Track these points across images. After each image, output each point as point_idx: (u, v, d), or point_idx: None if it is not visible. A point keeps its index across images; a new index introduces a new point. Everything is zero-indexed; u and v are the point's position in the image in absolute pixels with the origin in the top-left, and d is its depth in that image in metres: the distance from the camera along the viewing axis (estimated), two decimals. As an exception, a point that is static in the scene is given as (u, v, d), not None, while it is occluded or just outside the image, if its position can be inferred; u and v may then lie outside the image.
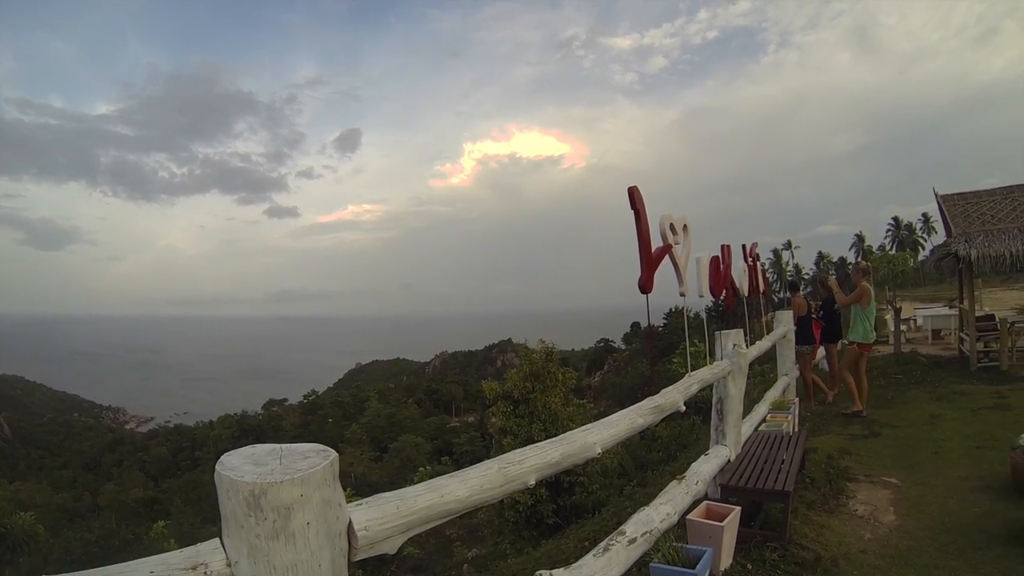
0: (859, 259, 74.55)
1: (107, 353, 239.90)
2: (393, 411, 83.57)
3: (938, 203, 15.28)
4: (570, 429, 3.68)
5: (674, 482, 4.81)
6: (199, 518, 40.89)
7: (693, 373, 5.28)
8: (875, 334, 10.48)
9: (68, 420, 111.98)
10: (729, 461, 5.79)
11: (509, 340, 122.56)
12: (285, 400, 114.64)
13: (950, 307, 20.87)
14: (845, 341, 10.71)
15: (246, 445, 1.80)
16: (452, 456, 56.65)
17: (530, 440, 14.76)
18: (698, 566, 3.94)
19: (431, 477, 2.43)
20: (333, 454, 1.73)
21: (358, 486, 35.65)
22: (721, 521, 4.50)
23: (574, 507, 15.87)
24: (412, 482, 2.32)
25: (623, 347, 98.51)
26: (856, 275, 10.76)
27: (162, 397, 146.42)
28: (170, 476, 69.92)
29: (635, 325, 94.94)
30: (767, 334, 9.93)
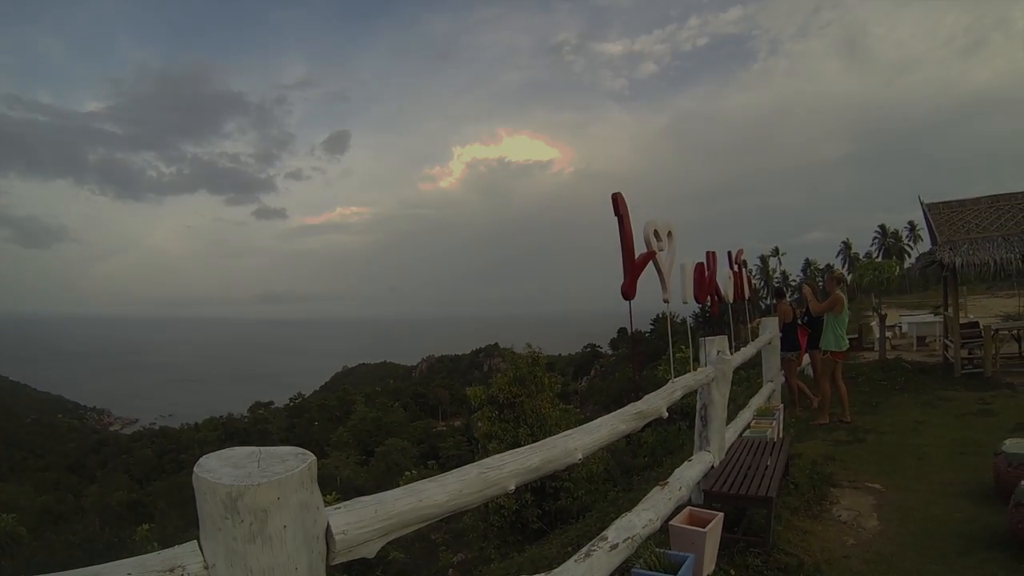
0: (833, 267, 74.92)
1: (92, 353, 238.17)
2: (379, 415, 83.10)
3: (924, 211, 15.40)
4: (557, 434, 3.68)
5: (657, 488, 4.81)
6: (183, 521, 40.56)
7: (676, 380, 5.29)
8: (847, 341, 10.51)
9: (52, 421, 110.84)
10: (713, 467, 5.81)
11: (496, 344, 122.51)
12: (271, 403, 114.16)
13: (935, 314, 21.00)
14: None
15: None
16: (438, 460, 56.47)
17: (516, 445, 14.72)
18: (680, 572, 3.94)
19: (417, 481, 2.43)
20: (311, 457, 1.72)
21: (344, 490, 35.46)
22: (704, 527, 4.51)
23: (559, 512, 15.84)
24: (398, 486, 2.32)
25: (610, 352, 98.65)
26: (830, 283, 10.82)
27: (147, 399, 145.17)
28: (155, 479, 69.26)
29: (622, 330, 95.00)
30: (752, 340, 9.97)
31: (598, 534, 3.94)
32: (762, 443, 6.80)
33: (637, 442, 17.10)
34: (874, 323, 19.75)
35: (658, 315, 60.85)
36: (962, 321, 14.51)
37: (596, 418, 4.10)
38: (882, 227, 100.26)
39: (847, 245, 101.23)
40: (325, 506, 1.82)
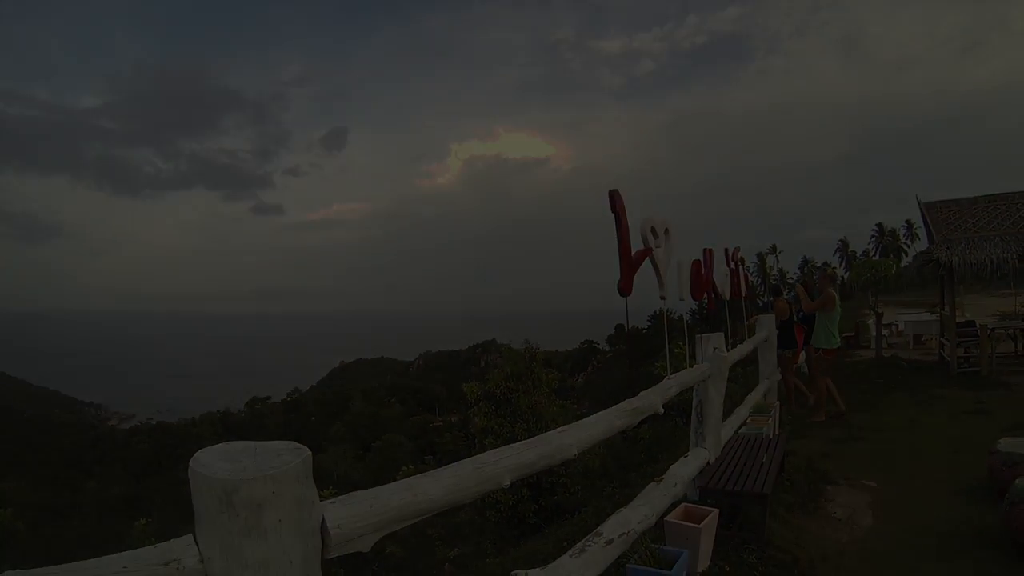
0: (829, 265, 75.07)
1: (89, 349, 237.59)
2: (376, 410, 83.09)
3: (921, 210, 15.41)
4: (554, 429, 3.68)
5: (652, 484, 4.82)
6: (181, 516, 40.47)
7: (672, 376, 5.29)
8: (838, 338, 10.53)
9: (49, 416, 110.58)
10: (708, 463, 5.81)
11: (493, 340, 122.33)
12: (268, 398, 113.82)
13: (932, 313, 21.00)
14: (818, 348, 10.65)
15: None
16: (435, 455, 56.47)
17: (513, 440, 14.76)
18: (675, 567, 3.95)
19: (413, 476, 2.43)
20: (306, 452, 1.73)
21: (340, 484, 35.41)
22: (699, 523, 4.52)
23: (555, 507, 15.86)
24: (394, 481, 2.32)
25: (607, 349, 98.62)
26: (823, 281, 10.85)
27: (144, 394, 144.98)
28: (152, 474, 69.13)
29: (619, 327, 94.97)
30: (749, 337, 9.99)
31: (594, 529, 3.95)
32: (758, 440, 6.81)
33: (633, 438, 17.11)
34: (871, 321, 19.77)
35: (655, 311, 60.82)
36: (958, 320, 14.52)
37: (592, 414, 4.10)
38: (879, 226, 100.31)
39: (845, 243, 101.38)
40: (321, 500, 1.83)
